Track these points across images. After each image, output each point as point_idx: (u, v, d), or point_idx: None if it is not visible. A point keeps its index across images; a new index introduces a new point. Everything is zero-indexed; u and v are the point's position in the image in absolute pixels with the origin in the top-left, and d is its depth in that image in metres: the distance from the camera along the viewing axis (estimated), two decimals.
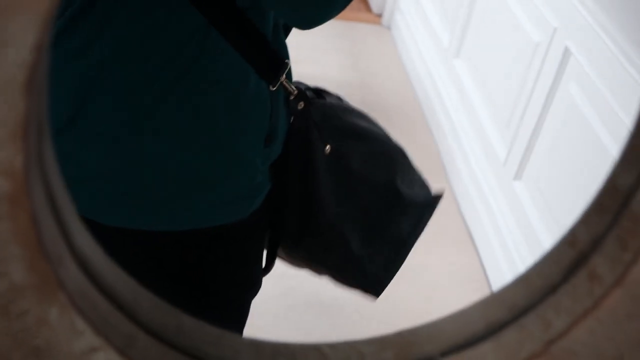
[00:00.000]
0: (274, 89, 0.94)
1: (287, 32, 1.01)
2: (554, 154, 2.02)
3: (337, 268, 1.08)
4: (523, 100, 2.20)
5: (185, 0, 0.83)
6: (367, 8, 3.68)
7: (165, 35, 0.85)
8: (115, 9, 0.83)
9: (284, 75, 0.94)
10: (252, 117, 0.93)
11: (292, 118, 1.00)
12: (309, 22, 0.89)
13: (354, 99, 3.16)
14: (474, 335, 0.37)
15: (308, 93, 1.06)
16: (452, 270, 2.20)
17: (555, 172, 1.99)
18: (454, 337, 0.37)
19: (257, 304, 1.11)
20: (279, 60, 0.94)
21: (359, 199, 1.06)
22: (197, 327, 0.36)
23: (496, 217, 2.23)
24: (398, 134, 3.01)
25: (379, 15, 3.61)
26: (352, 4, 3.82)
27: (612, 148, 1.74)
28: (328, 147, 1.02)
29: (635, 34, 1.71)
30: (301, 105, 0.99)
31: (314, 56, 3.11)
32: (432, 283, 2.14)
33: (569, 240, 0.36)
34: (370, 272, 1.07)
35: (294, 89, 0.98)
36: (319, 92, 1.10)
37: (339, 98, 1.12)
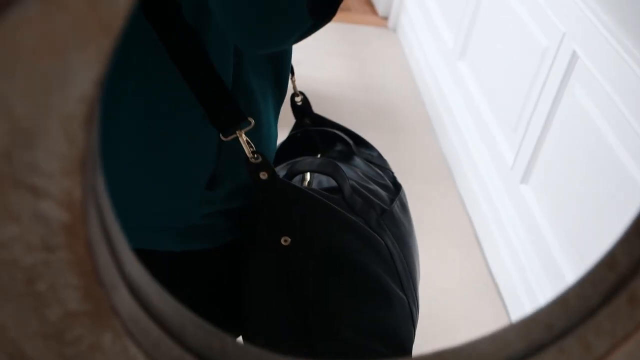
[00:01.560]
0: (226, 139, 0.84)
1: (280, 94, 0.91)
2: (561, 158, 2.02)
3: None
4: (530, 104, 2.20)
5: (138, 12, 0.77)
6: (373, 11, 3.69)
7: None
8: None
9: (242, 133, 0.83)
10: (191, 152, 0.85)
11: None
12: (256, 41, 0.77)
13: (360, 102, 3.16)
14: (514, 356, 0.37)
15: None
16: (459, 273, 2.21)
17: (563, 176, 1.99)
18: (494, 358, 0.37)
19: None
20: (235, 111, 0.82)
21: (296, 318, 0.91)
22: (239, 349, 0.37)
23: (503, 221, 2.24)
24: (404, 138, 3.02)
25: (385, 18, 3.62)
26: (358, 6, 3.80)
27: (620, 152, 1.74)
28: (287, 239, 0.88)
29: None
30: (264, 175, 0.86)
31: (319, 59, 3.12)
32: (440, 287, 2.14)
33: (608, 262, 0.36)
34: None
35: (256, 155, 0.85)
36: (330, 139, 1.01)
37: (368, 159, 1.03)
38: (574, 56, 1.99)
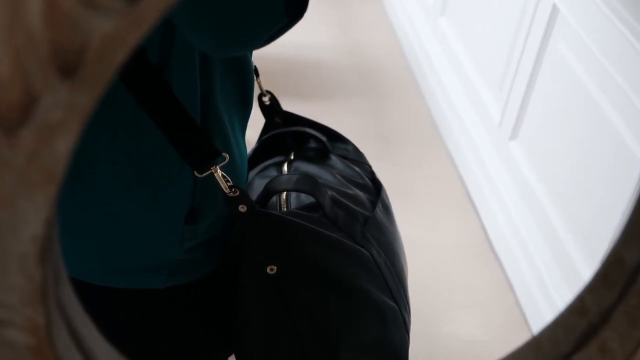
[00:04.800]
0: (201, 176, 0.82)
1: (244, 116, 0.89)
2: (547, 113, 2.02)
3: None
4: (514, 60, 2.19)
5: None
6: None
7: None
8: None
9: (217, 168, 0.82)
10: (167, 190, 0.84)
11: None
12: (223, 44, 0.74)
13: (345, 66, 3.12)
14: None
15: (313, 145, 0.94)
16: (454, 237, 2.22)
17: (550, 131, 2.00)
18: None
19: None
20: (208, 146, 0.81)
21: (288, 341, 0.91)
22: None
23: (494, 180, 2.25)
24: (391, 102, 3.01)
25: None
26: None
27: (603, 103, 1.75)
28: (273, 268, 0.87)
29: None
30: (243, 208, 0.85)
31: (302, 24, 3.08)
32: (436, 252, 2.15)
33: (578, 308, 0.37)
34: None
35: (233, 189, 0.84)
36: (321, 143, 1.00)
37: (358, 162, 1.02)
38: (554, 9, 1.98)
